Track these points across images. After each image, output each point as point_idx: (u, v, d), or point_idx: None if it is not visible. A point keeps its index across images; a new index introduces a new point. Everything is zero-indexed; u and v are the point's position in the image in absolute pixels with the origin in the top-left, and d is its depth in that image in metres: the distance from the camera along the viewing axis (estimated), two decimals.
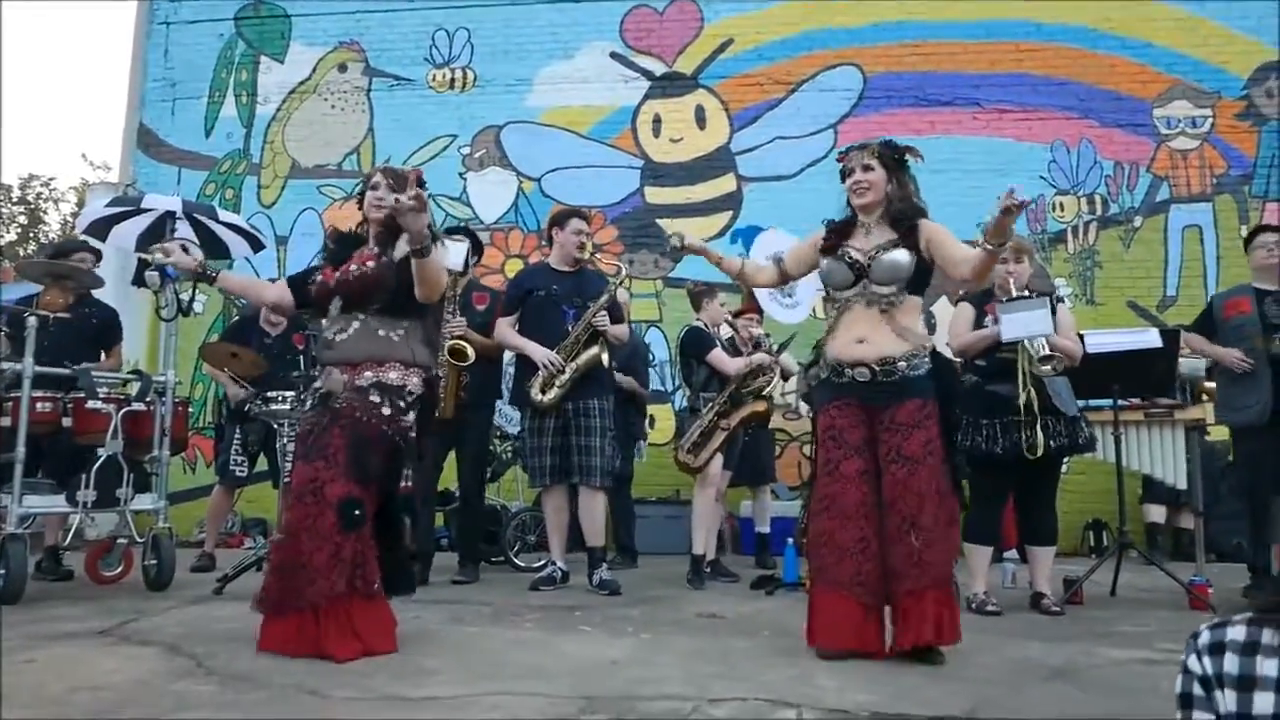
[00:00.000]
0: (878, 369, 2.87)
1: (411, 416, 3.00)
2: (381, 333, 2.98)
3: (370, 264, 3.01)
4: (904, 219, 2.97)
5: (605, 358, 4.44)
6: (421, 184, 3.09)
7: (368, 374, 2.93)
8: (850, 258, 2.95)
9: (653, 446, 6.95)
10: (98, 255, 4.99)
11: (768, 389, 4.96)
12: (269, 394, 4.20)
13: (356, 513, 2.79)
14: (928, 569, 2.74)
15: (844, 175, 3.07)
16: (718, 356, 4.80)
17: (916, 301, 2.99)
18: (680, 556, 5.73)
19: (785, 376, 5.02)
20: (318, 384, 3.04)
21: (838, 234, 3.03)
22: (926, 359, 2.92)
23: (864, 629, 2.79)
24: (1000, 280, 3.97)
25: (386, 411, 2.90)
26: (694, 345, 4.92)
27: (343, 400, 2.90)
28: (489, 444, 5.21)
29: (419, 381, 3.01)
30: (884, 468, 2.84)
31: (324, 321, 3.12)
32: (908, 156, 3.04)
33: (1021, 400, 3.81)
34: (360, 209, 3.17)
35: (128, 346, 7.28)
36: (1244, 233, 6.73)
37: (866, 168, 2.99)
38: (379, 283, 2.98)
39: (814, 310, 5.98)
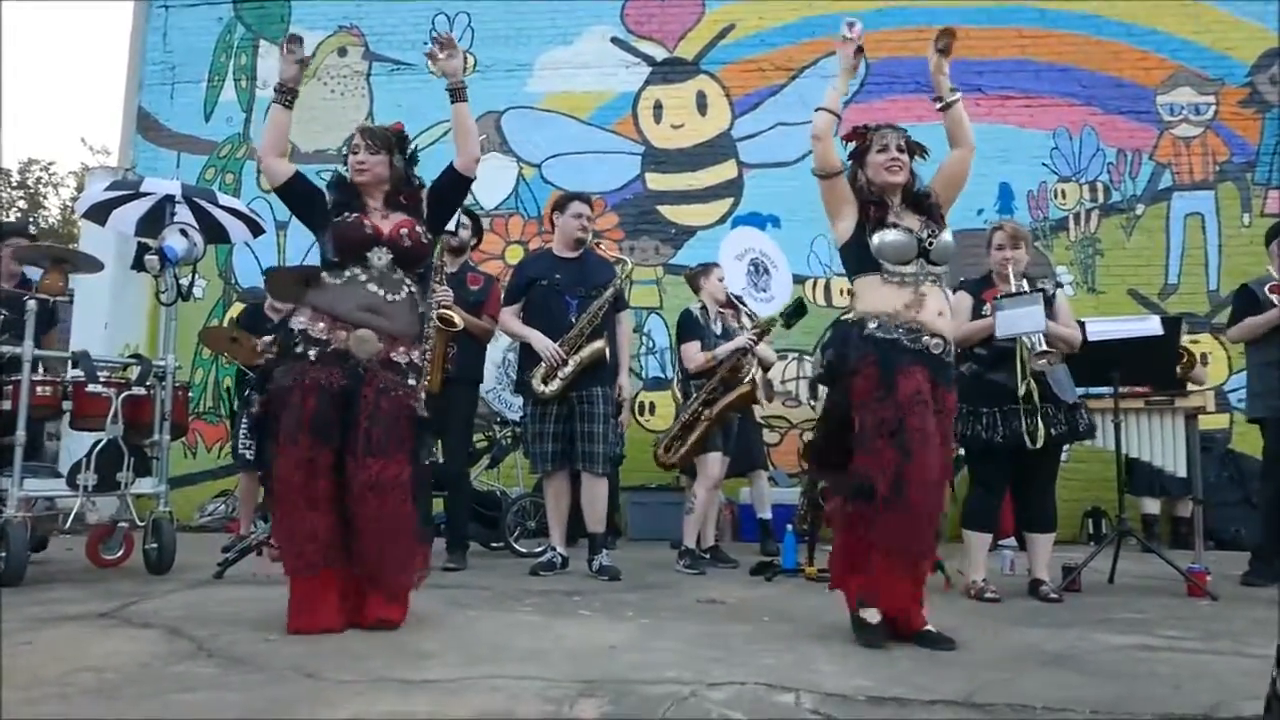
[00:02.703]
0: (945, 346, 2.87)
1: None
2: (420, 309, 2.97)
3: (420, 229, 2.97)
4: (922, 201, 2.96)
5: (608, 351, 4.42)
6: (402, 138, 3.14)
7: (405, 351, 2.90)
8: (918, 234, 2.89)
9: (652, 433, 6.95)
10: (32, 238, 5.32)
11: (746, 374, 4.87)
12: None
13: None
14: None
15: (862, 152, 3.02)
16: (686, 351, 4.77)
17: None
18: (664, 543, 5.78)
19: (765, 367, 4.95)
20: (318, 334, 2.84)
21: (878, 209, 2.94)
22: None
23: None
24: (998, 267, 3.97)
25: (415, 389, 2.93)
26: (679, 330, 4.92)
27: (382, 379, 2.84)
28: (473, 422, 5.09)
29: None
30: None
31: (354, 271, 2.89)
32: (917, 155, 3.04)
33: (1021, 390, 3.81)
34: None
35: (128, 330, 7.35)
36: (1246, 221, 6.77)
37: (900, 148, 2.98)
38: (430, 250, 2.98)
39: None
